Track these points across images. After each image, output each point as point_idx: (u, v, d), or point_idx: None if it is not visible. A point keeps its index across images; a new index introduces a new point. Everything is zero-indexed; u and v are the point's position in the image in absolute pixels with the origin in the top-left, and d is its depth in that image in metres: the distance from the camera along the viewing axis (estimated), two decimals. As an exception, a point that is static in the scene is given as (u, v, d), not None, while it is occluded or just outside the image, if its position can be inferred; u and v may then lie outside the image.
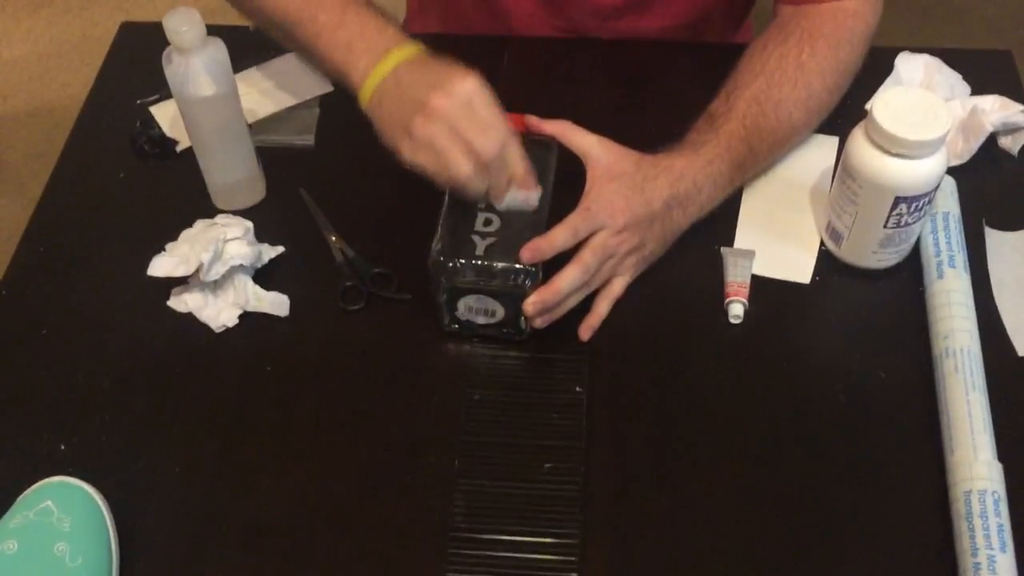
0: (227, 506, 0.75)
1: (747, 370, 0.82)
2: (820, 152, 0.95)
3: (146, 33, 1.01)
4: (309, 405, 0.80)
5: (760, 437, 0.78)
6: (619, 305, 0.84)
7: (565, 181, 0.83)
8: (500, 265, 0.78)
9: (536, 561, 0.71)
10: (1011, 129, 0.95)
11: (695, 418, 0.79)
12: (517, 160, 0.79)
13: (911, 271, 0.87)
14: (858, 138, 0.81)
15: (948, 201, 0.88)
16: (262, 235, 0.87)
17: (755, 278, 0.86)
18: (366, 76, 0.80)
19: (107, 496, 0.72)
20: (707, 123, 0.88)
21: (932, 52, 1.00)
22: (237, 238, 0.84)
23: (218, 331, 0.84)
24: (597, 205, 0.81)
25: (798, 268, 0.88)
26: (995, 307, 0.85)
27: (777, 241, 0.89)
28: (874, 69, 0.97)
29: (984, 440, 0.74)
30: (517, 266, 0.77)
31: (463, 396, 0.80)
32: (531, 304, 0.78)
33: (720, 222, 0.89)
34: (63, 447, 0.78)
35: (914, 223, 0.83)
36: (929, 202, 0.81)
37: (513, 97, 0.86)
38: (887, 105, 0.79)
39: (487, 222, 0.80)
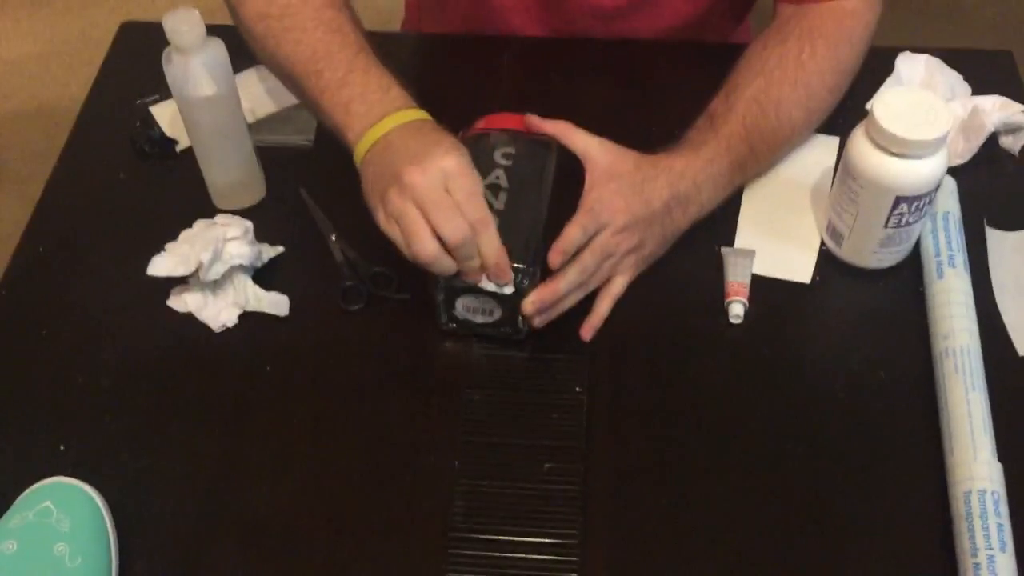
0: (227, 506, 0.75)
1: (747, 370, 0.82)
2: (820, 152, 0.95)
3: (146, 33, 1.01)
4: (309, 405, 0.80)
5: (760, 437, 0.78)
6: (619, 305, 0.84)
7: (565, 181, 0.83)
8: None
9: (536, 561, 0.71)
10: (1012, 129, 0.95)
11: (695, 418, 0.79)
12: (489, 248, 0.75)
13: (911, 271, 0.87)
14: (859, 138, 0.81)
15: (949, 201, 0.88)
16: (262, 235, 0.87)
17: (755, 278, 0.86)
18: (360, 138, 0.78)
19: (107, 496, 0.72)
20: (707, 123, 0.88)
21: (932, 52, 1.00)
22: (237, 238, 0.84)
23: (218, 331, 0.84)
24: (599, 205, 0.81)
25: (798, 268, 0.88)
26: (995, 307, 0.85)
27: (777, 241, 0.89)
28: (874, 69, 0.97)
29: (984, 440, 0.74)
30: (514, 265, 0.77)
31: (463, 396, 0.80)
32: (529, 303, 0.78)
33: (720, 222, 0.89)
34: (63, 447, 0.78)
35: (915, 223, 0.83)
36: (930, 202, 0.81)
37: (513, 97, 0.86)
38: (888, 105, 0.79)
39: None
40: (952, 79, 0.98)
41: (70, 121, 1.00)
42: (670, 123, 0.89)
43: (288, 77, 0.86)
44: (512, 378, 0.81)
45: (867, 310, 0.86)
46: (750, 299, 0.85)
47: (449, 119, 0.81)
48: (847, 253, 0.87)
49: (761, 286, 0.86)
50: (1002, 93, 0.95)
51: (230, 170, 0.90)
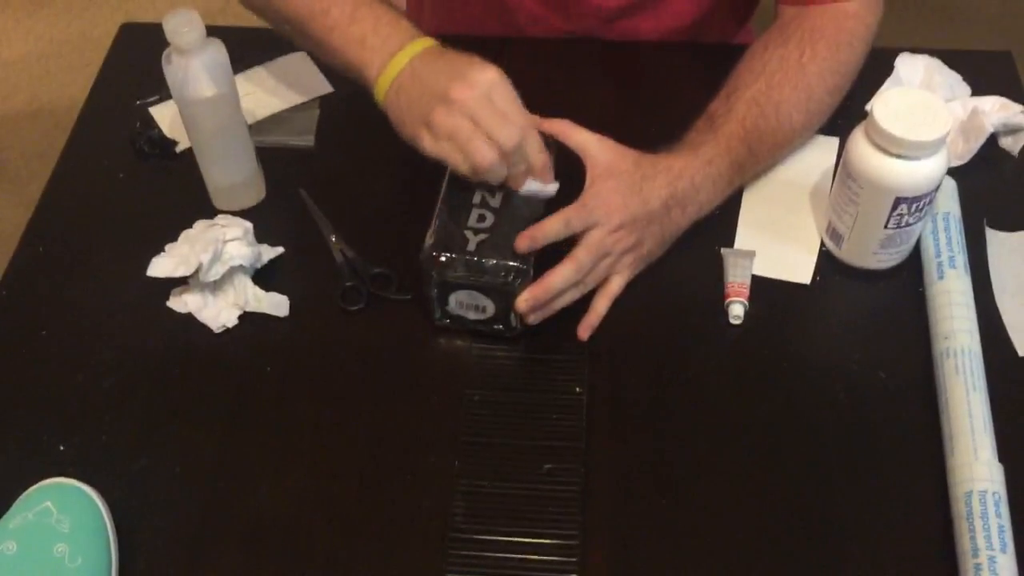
0: (227, 506, 0.75)
1: (747, 370, 0.82)
2: (820, 153, 0.95)
3: (146, 34, 1.02)
4: (309, 405, 0.80)
5: (760, 437, 0.78)
6: (619, 305, 0.84)
7: (564, 180, 0.83)
8: (491, 261, 0.78)
9: (536, 561, 0.71)
10: (1011, 130, 0.95)
11: (695, 418, 0.79)
12: (536, 151, 0.80)
13: (912, 272, 0.87)
14: (859, 139, 0.81)
15: (949, 202, 0.88)
16: (262, 235, 0.87)
17: (755, 278, 0.86)
18: (382, 70, 0.81)
19: (107, 496, 0.72)
20: (706, 124, 0.88)
21: (932, 53, 1.00)
22: (237, 238, 0.84)
23: (218, 331, 0.84)
24: (594, 202, 0.81)
25: (798, 268, 0.88)
26: (996, 308, 0.85)
27: (777, 242, 0.89)
28: (874, 70, 0.97)
29: (985, 441, 0.74)
30: (507, 263, 0.78)
31: (463, 396, 0.80)
32: (523, 300, 0.79)
33: (720, 222, 0.89)
34: (63, 447, 0.78)
35: (915, 224, 0.83)
36: (930, 203, 0.81)
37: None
38: (887, 106, 0.79)
39: (481, 218, 0.80)
40: (952, 80, 0.98)
41: (70, 121, 1.00)
42: (670, 124, 0.89)
43: (291, 22, 0.87)
44: (512, 378, 0.81)
45: (867, 311, 0.86)
46: (750, 299, 0.85)
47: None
48: (847, 254, 0.87)
49: (761, 287, 0.86)
50: (1002, 94, 0.95)
51: (230, 171, 0.90)
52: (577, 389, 0.80)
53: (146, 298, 0.85)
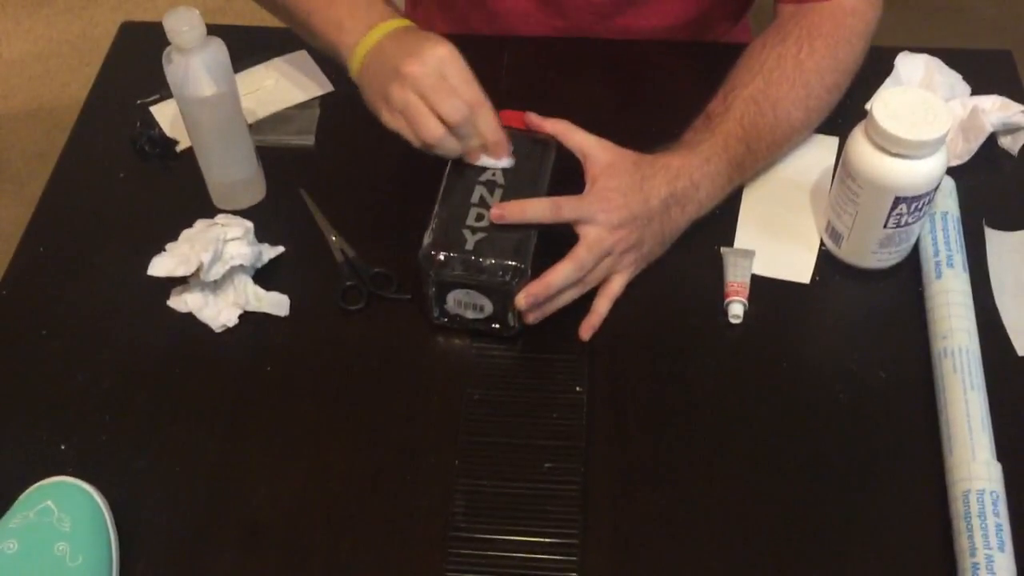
0: (227, 506, 0.75)
1: (747, 370, 0.82)
2: (820, 152, 0.95)
3: (146, 33, 1.02)
4: (309, 405, 0.80)
5: (760, 437, 0.78)
6: (619, 305, 0.84)
7: (564, 180, 0.83)
8: (488, 261, 0.78)
9: (536, 561, 0.71)
10: (1011, 129, 0.95)
11: (695, 418, 0.79)
12: (488, 127, 0.81)
13: (911, 271, 0.87)
14: (858, 138, 0.81)
15: (948, 201, 0.88)
16: (262, 235, 0.87)
17: (755, 278, 0.86)
18: (354, 49, 0.84)
19: (107, 496, 0.72)
20: (704, 123, 0.88)
21: (932, 52, 1.00)
22: (237, 238, 0.84)
23: (218, 331, 0.84)
24: (594, 200, 0.81)
25: (798, 268, 0.88)
26: (995, 307, 0.85)
27: (777, 241, 0.89)
28: (874, 69, 0.97)
29: (983, 440, 0.74)
30: (505, 262, 0.78)
31: (463, 396, 0.80)
32: (522, 298, 0.79)
33: (720, 222, 0.89)
34: (63, 447, 0.78)
35: (914, 223, 0.83)
36: (929, 202, 0.81)
37: (513, 97, 0.86)
38: (887, 105, 0.79)
39: (479, 217, 0.80)
40: (952, 79, 0.98)
41: (70, 121, 1.00)
42: (669, 123, 0.89)
43: (278, 4, 0.92)
44: (512, 378, 0.81)
45: (866, 310, 0.86)
46: (750, 299, 0.85)
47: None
48: (846, 253, 0.87)
49: (761, 286, 0.86)
50: (1002, 93, 0.95)
51: (230, 170, 0.90)
52: (577, 388, 0.80)
53: (146, 298, 0.85)
